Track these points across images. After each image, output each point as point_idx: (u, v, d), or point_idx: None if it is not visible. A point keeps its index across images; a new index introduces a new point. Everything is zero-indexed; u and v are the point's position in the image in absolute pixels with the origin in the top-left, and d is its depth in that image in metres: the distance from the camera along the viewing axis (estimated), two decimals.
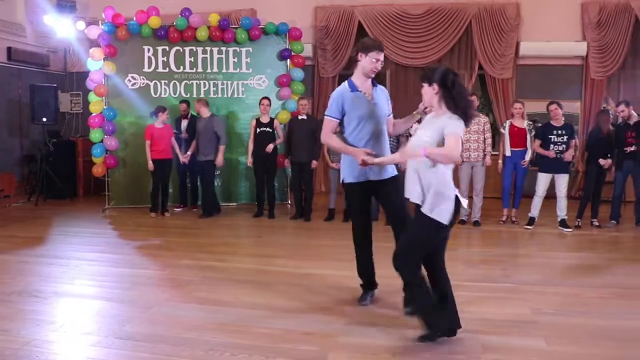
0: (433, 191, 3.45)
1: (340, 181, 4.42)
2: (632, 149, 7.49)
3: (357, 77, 4.23)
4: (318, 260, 5.99)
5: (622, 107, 7.67)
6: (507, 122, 8.00)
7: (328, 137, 4.30)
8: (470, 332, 3.80)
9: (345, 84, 4.25)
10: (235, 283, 5.05)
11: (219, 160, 8.50)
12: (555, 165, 7.51)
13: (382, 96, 4.33)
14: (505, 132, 7.84)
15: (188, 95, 9.33)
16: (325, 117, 4.27)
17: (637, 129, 7.49)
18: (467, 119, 3.47)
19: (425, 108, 3.94)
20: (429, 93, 3.55)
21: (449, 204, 3.46)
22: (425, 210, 3.47)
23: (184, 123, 9.15)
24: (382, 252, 6.14)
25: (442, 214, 3.45)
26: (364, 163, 3.99)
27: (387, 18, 10.86)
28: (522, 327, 3.93)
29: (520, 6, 10.53)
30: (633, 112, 7.65)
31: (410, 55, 10.90)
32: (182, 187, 9.28)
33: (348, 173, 4.31)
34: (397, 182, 4.33)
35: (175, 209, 9.17)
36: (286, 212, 8.99)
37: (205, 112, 8.54)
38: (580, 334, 3.81)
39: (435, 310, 3.60)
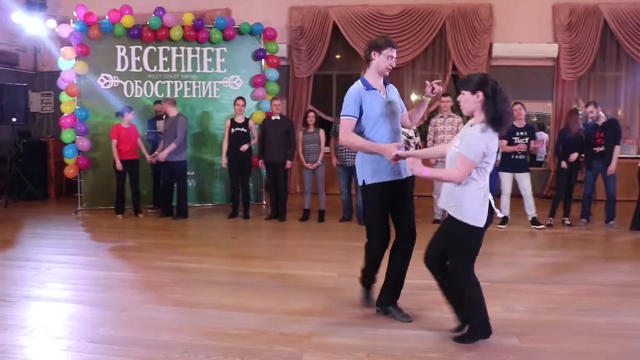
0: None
1: (361, 183, 4.11)
2: (601, 149, 7.65)
3: (371, 76, 4.11)
4: (293, 260, 5.98)
5: (590, 107, 7.81)
6: None
7: (351, 137, 4.05)
8: (445, 330, 3.84)
9: (359, 82, 4.10)
10: (210, 284, 5.03)
11: (161, 155, 8.36)
12: (514, 165, 7.66)
13: (395, 93, 4.23)
14: None
15: (162, 96, 9.23)
16: (342, 117, 4.03)
17: (605, 130, 7.64)
18: (500, 127, 3.45)
19: (433, 89, 3.97)
20: (471, 101, 3.51)
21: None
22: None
23: (160, 124, 9.04)
24: (355, 251, 6.17)
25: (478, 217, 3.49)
26: (397, 158, 3.85)
27: (362, 19, 10.90)
28: (495, 325, 3.96)
29: (493, 8, 10.66)
30: (601, 113, 7.79)
31: None
32: (155, 189, 9.17)
33: (371, 174, 4.04)
34: (413, 182, 4.29)
35: (149, 210, 9.08)
36: (261, 213, 8.97)
37: (172, 112, 8.48)
38: (552, 331, 3.88)
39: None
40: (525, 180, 7.68)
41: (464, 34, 10.71)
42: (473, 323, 3.65)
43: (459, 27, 10.72)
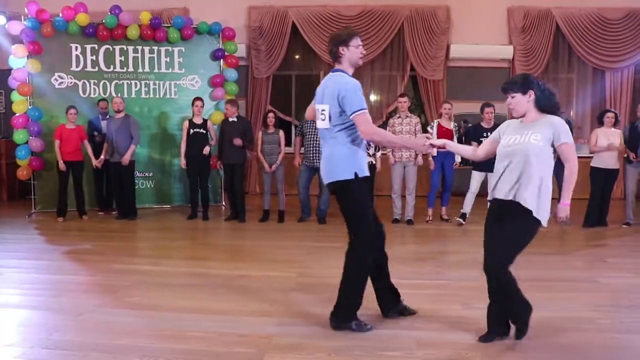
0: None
1: (351, 177, 3.81)
2: None
3: (349, 70, 4.05)
4: (253, 261, 5.96)
5: None
6: (435, 122, 8.19)
7: (380, 131, 3.95)
8: (404, 328, 3.89)
9: (345, 75, 3.99)
10: (168, 287, 4.96)
11: (126, 158, 8.27)
12: (489, 164, 7.77)
13: None
14: (433, 131, 8.02)
15: (119, 95, 9.03)
16: (359, 112, 3.74)
17: None
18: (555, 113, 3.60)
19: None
20: (523, 101, 3.56)
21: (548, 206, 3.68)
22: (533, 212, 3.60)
23: (104, 123, 8.79)
24: (314, 251, 6.19)
25: (544, 216, 3.67)
26: (432, 147, 4.04)
27: (321, 19, 10.93)
28: (454, 322, 4.04)
29: (450, 10, 10.84)
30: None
31: None
32: (98, 191, 8.95)
33: (359, 167, 3.85)
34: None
35: (98, 213, 8.87)
36: (221, 214, 8.91)
37: (122, 112, 8.42)
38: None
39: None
40: None
41: (421, 35, 10.86)
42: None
43: (417, 28, 10.87)
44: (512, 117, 3.85)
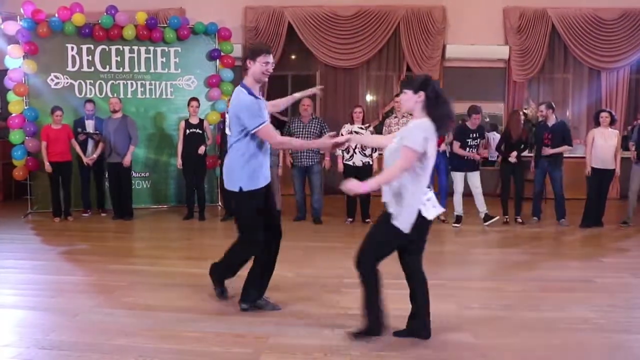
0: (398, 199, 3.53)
1: (236, 189, 4.09)
2: (549, 150, 7.87)
3: (251, 84, 4.11)
4: (249, 261, 5.94)
5: (542, 107, 8.04)
6: None
7: (284, 139, 4.20)
8: (400, 328, 3.89)
9: (244, 92, 4.07)
10: (165, 287, 4.96)
11: (127, 160, 8.30)
12: (466, 165, 7.85)
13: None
14: None
15: (115, 96, 9.01)
16: (258, 128, 3.95)
17: (553, 132, 7.87)
18: (440, 129, 3.53)
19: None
20: (411, 100, 3.55)
21: (411, 214, 3.52)
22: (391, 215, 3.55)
23: (89, 123, 8.74)
24: (311, 251, 6.20)
25: (403, 223, 3.52)
26: (336, 145, 4.16)
27: (317, 19, 10.93)
28: (450, 323, 4.05)
29: (446, 10, 10.85)
30: (553, 115, 7.99)
31: (339, 57, 11.01)
32: (85, 192, 8.85)
33: (256, 178, 4.08)
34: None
35: (83, 214, 8.79)
36: (217, 214, 8.90)
37: (120, 112, 8.42)
38: (505, 327, 3.98)
39: (380, 311, 3.67)
40: (475, 178, 7.88)
41: (417, 36, 10.86)
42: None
43: (413, 28, 10.87)
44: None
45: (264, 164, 4.12)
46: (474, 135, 7.82)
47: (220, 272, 4.56)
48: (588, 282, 5.18)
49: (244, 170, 4.05)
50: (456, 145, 7.84)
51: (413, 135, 3.44)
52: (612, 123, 7.91)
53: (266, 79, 4.20)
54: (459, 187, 7.91)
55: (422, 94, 3.52)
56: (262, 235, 4.17)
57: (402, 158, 3.43)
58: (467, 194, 7.95)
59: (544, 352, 3.57)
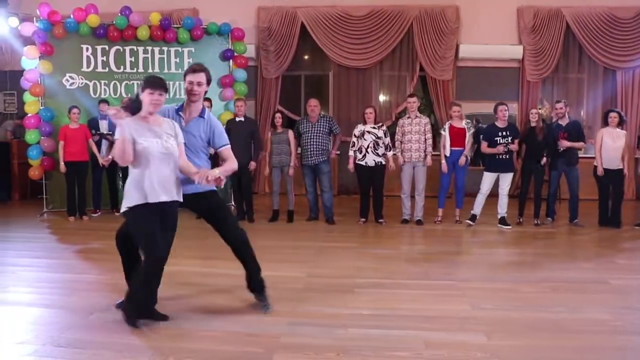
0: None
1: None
2: (564, 148, 7.81)
3: (186, 102, 4.20)
4: (262, 261, 5.91)
5: (560, 104, 7.93)
6: (447, 123, 8.17)
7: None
8: (413, 328, 3.89)
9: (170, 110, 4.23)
10: (177, 286, 4.98)
11: None
12: (501, 165, 7.75)
13: (201, 127, 4.28)
14: (446, 133, 8.01)
15: (129, 96, 9.07)
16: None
17: (568, 131, 7.81)
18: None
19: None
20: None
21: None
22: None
23: (103, 124, 8.77)
24: (323, 251, 6.23)
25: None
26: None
27: (330, 20, 10.94)
28: (463, 323, 4.04)
29: (459, 10, 10.82)
30: (567, 114, 7.95)
31: (352, 57, 11.02)
32: (96, 192, 8.91)
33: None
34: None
35: (93, 214, 8.82)
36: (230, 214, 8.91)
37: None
38: (518, 328, 3.96)
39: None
40: (507, 180, 7.79)
41: (431, 36, 10.84)
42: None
43: (426, 28, 10.85)
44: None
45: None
46: (504, 133, 7.71)
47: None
48: (602, 284, 5.14)
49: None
50: (484, 144, 7.77)
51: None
52: (620, 123, 7.86)
53: (193, 99, 4.20)
54: (484, 188, 7.83)
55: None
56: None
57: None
58: (490, 194, 7.90)
59: (558, 354, 3.54)
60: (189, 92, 4.13)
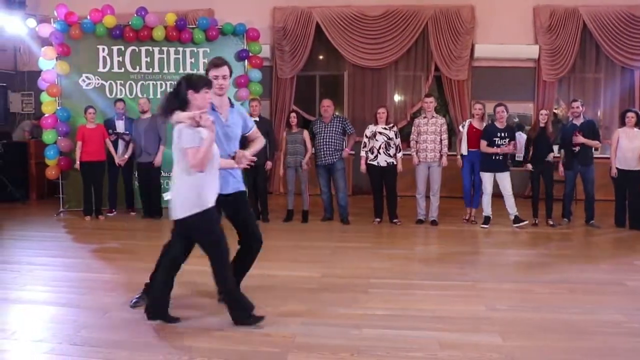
0: None
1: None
2: (579, 148, 7.74)
3: (213, 97, 4.15)
4: (276, 261, 5.97)
5: (577, 103, 7.86)
6: (467, 121, 8.13)
7: None
8: (428, 329, 3.88)
9: None
10: (193, 285, 5.01)
11: (157, 160, 8.42)
12: (494, 165, 7.72)
13: (237, 116, 4.33)
14: (464, 130, 7.97)
15: (144, 96, 9.11)
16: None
17: (583, 130, 7.73)
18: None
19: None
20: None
21: None
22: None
23: (120, 124, 8.81)
24: (338, 251, 6.21)
25: None
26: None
27: (345, 20, 10.93)
28: (477, 324, 4.02)
29: (475, 9, 10.75)
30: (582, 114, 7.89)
31: (367, 57, 11.00)
32: (112, 192, 8.90)
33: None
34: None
35: (108, 214, 8.82)
36: None
37: (149, 113, 8.53)
38: (533, 329, 3.93)
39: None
40: (505, 180, 7.75)
41: (446, 35, 10.79)
42: None
43: (442, 28, 10.80)
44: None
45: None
46: (502, 134, 7.69)
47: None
48: (619, 285, 5.08)
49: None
50: (483, 144, 7.73)
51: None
52: (638, 123, 7.76)
53: (220, 93, 4.25)
54: (487, 188, 7.81)
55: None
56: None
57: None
58: (499, 195, 7.85)
59: (573, 356, 3.51)
60: (217, 87, 4.12)
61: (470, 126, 7.98)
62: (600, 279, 5.30)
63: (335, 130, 8.02)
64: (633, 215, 7.76)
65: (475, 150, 7.88)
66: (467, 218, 8.18)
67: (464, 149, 7.98)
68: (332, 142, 7.99)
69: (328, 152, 7.98)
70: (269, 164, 8.22)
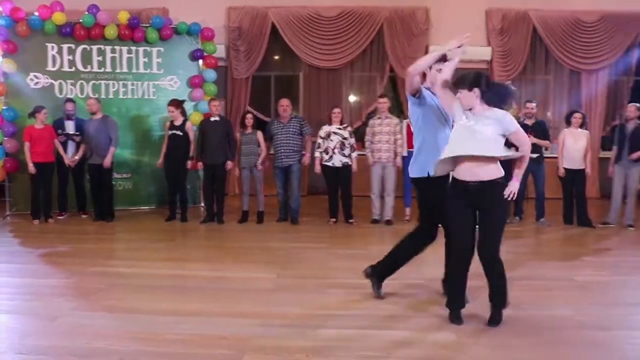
0: None
1: (428, 174, 4.29)
2: (532, 138, 7.93)
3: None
4: (232, 262, 5.92)
5: (532, 104, 8.11)
6: (404, 121, 8.04)
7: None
8: (383, 328, 3.91)
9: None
10: (146, 289, 4.90)
11: (107, 161, 8.23)
12: None
13: None
14: (403, 131, 7.94)
15: (94, 97, 8.88)
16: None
17: (534, 130, 7.92)
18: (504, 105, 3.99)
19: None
20: (469, 97, 3.92)
21: None
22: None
23: (69, 124, 8.56)
24: (294, 252, 6.17)
25: None
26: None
27: (301, 20, 10.92)
28: (433, 322, 4.05)
29: (429, 11, 10.90)
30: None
31: (323, 57, 11.02)
32: (62, 194, 8.64)
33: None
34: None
35: (58, 217, 8.57)
36: (199, 215, 8.83)
37: (99, 113, 8.34)
38: (486, 326, 3.97)
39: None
40: None
41: (401, 37, 10.90)
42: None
43: (397, 29, 10.91)
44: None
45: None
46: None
47: (385, 269, 4.68)
48: (568, 281, 5.22)
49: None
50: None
51: (511, 119, 3.87)
52: (583, 125, 8.02)
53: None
54: None
55: (476, 90, 3.87)
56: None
57: (523, 139, 3.91)
58: None
59: (527, 350, 3.57)
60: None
61: (408, 126, 8.03)
62: (550, 275, 5.43)
63: (293, 131, 8.00)
64: (580, 213, 8.00)
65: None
66: (408, 218, 8.20)
67: (404, 150, 7.97)
68: (290, 143, 7.97)
69: (286, 154, 7.95)
70: (229, 164, 8.14)
